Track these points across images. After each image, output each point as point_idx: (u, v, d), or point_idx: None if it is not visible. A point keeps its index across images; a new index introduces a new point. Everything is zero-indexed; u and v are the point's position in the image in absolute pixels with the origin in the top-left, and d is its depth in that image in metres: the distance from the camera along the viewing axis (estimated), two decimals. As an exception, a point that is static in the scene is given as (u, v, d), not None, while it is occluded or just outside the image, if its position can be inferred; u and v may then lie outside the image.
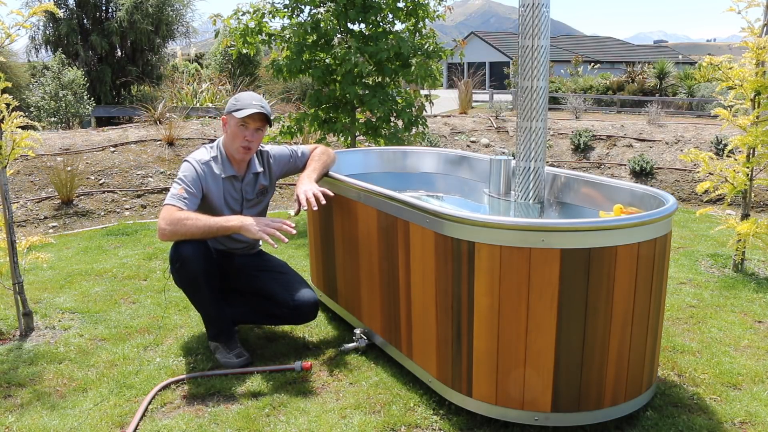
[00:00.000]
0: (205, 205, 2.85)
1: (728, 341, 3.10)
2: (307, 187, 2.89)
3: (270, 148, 3.12)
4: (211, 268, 2.78)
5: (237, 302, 3.05)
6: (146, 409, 2.50)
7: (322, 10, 5.57)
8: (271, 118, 2.94)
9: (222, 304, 2.91)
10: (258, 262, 3.11)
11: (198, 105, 12.33)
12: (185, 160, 2.88)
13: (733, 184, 4.21)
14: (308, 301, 2.98)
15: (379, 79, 5.68)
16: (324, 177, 3.10)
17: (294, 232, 2.67)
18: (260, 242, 3.23)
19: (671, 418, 2.40)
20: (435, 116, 10.73)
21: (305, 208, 2.81)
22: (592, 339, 2.19)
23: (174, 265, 2.78)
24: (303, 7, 5.59)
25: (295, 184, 6.38)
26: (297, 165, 3.15)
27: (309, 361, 2.82)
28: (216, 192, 2.87)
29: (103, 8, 21.30)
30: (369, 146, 5.80)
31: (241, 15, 5.62)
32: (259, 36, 5.63)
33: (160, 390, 2.65)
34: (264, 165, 3.05)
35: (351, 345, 2.97)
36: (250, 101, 2.85)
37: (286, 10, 5.61)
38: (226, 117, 2.90)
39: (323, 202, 2.81)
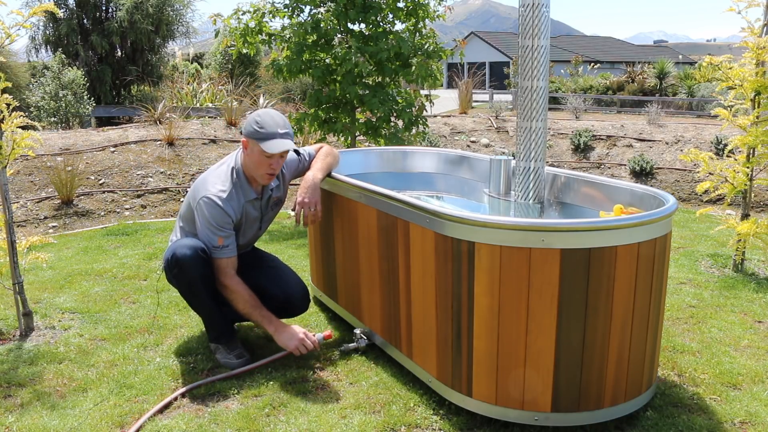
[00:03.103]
0: None
1: (728, 341, 3.10)
2: (309, 197, 2.88)
3: None
4: (208, 272, 2.75)
5: None
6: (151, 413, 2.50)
7: (322, 9, 5.58)
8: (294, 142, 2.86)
9: (220, 306, 2.91)
10: (250, 259, 3.09)
11: (198, 105, 12.33)
12: (208, 199, 2.72)
13: (733, 184, 4.21)
14: (298, 292, 3.00)
15: (379, 79, 5.68)
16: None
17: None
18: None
19: (671, 418, 2.40)
20: (435, 116, 10.73)
21: (297, 225, 2.94)
22: (592, 339, 2.19)
23: (171, 271, 2.75)
24: (303, 7, 5.59)
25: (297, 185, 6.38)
26: (306, 168, 3.12)
27: (329, 331, 2.95)
28: (240, 216, 2.85)
29: (103, 8, 21.27)
30: (369, 146, 5.81)
31: (241, 15, 5.62)
32: (259, 36, 5.64)
33: (178, 396, 2.64)
34: (279, 178, 3.00)
35: (351, 345, 2.97)
36: (275, 129, 2.70)
37: (286, 10, 5.61)
38: (247, 141, 2.75)
39: (316, 221, 2.96)
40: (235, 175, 2.81)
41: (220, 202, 2.72)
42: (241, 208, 2.81)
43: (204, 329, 3.24)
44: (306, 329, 2.87)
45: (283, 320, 3.22)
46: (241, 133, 2.88)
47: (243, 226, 2.89)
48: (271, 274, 3.04)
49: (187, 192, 6.84)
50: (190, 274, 2.72)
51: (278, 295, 2.97)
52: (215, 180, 2.79)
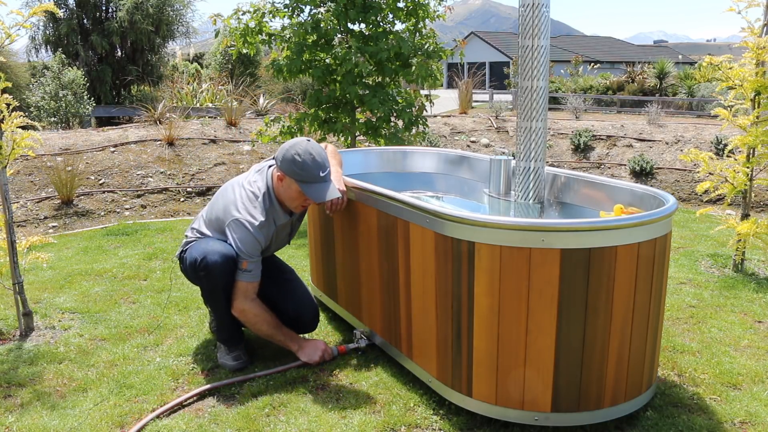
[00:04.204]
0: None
1: (728, 341, 3.10)
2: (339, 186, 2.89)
3: None
4: (232, 279, 2.75)
5: None
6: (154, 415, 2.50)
7: (322, 9, 5.57)
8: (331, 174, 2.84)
9: None
10: (266, 265, 3.08)
11: (198, 105, 12.34)
12: (240, 223, 2.70)
13: (733, 184, 4.21)
14: (309, 311, 3.01)
15: (380, 79, 5.68)
16: None
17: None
18: None
19: (671, 418, 2.40)
20: (435, 116, 10.73)
21: (328, 211, 2.97)
22: (592, 339, 2.19)
23: (198, 273, 2.73)
24: (303, 7, 5.59)
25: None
26: None
27: (343, 346, 2.97)
28: (270, 241, 2.86)
29: (103, 8, 21.27)
30: (369, 146, 5.81)
31: (242, 15, 5.62)
32: (259, 36, 5.63)
33: (186, 398, 2.64)
34: None
35: (351, 345, 2.97)
36: (316, 172, 2.65)
37: (286, 10, 5.61)
38: (283, 176, 2.70)
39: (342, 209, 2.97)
40: (268, 201, 2.78)
41: (251, 229, 2.70)
42: (272, 233, 2.82)
43: (204, 329, 3.25)
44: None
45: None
46: (274, 158, 2.82)
47: (272, 245, 2.92)
48: (285, 287, 3.03)
49: (188, 191, 6.89)
50: (216, 280, 2.71)
51: (289, 311, 2.96)
52: (249, 205, 2.75)
